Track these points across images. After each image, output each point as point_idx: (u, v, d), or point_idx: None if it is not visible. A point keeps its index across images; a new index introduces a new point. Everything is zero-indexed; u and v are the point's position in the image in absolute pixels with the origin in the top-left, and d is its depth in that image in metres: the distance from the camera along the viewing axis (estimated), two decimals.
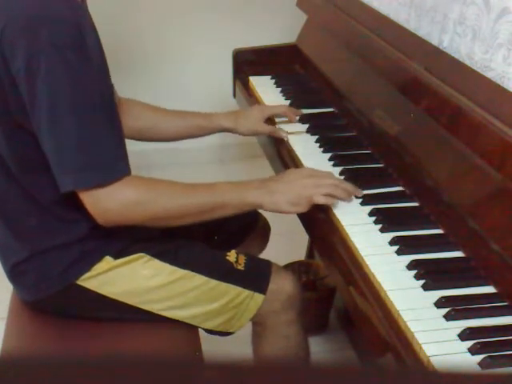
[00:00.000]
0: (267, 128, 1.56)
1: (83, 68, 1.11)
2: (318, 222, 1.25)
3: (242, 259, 1.31)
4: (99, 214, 1.14)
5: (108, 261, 1.25)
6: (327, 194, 1.21)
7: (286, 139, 1.52)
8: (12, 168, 1.19)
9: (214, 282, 1.27)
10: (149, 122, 1.56)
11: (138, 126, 1.54)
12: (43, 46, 1.06)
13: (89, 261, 1.24)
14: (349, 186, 1.24)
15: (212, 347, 1.40)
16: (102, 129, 1.13)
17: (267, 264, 1.33)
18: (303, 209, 1.22)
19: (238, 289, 1.28)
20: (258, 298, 1.29)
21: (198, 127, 1.58)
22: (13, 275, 1.30)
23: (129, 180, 1.14)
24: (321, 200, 1.20)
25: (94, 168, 1.11)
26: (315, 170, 1.29)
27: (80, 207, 1.19)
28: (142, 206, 1.16)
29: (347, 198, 1.23)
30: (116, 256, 1.25)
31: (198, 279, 1.27)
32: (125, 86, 1.79)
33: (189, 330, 1.30)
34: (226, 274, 1.28)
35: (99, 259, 1.25)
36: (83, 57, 1.11)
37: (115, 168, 1.13)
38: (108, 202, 1.13)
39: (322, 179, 1.24)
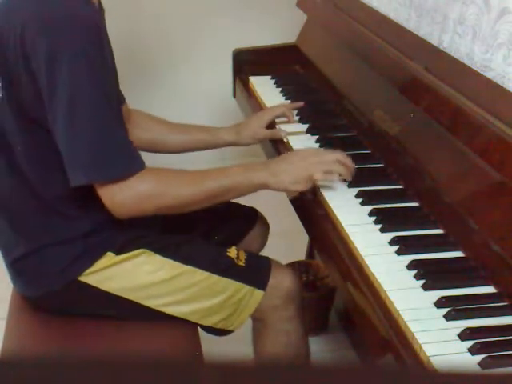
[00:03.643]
0: (267, 133, 1.58)
1: (102, 64, 1.14)
2: (318, 221, 1.25)
3: (243, 255, 1.32)
4: (114, 207, 1.17)
5: (110, 257, 1.26)
6: (326, 171, 1.24)
7: (285, 140, 1.53)
8: (20, 162, 1.20)
9: (214, 278, 1.28)
10: (156, 135, 1.59)
11: (146, 138, 1.57)
12: (66, 41, 1.08)
13: (90, 257, 1.25)
14: (348, 162, 1.27)
15: (212, 347, 1.40)
16: (117, 124, 1.16)
17: (267, 260, 1.34)
18: (303, 187, 1.25)
19: (239, 284, 1.29)
20: (258, 294, 1.29)
21: (202, 142, 1.61)
22: (15, 270, 1.30)
23: (143, 174, 1.16)
24: (319, 176, 1.24)
25: (110, 162, 1.14)
26: (318, 150, 1.32)
27: (83, 204, 1.20)
28: (156, 198, 1.19)
29: (346, 175, 1.26)
30: (118, 252, 1.26)
31: (200, 274, 1.28)
32: (125, 85, 1.79)
33: (189, 329, 1.31)
34: (227, 269, 1.29)
35: (101, 255, 1.25)
36: (102, 53, 1.14)
37: (131, 162, 1.16)
38: (123, 196, 1.15)
39: (324, 157, 1.26)
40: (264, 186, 1.26)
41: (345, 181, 1.29)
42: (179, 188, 1.22)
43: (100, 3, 1.28)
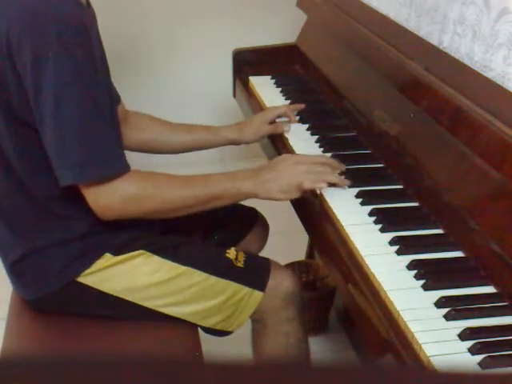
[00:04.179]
0: (270, 128, 1.58)
1: (89, 64, 1.13)
2: (318, 221, 1.25)
3: (242, 256, 1.31)
4: (99, 209, 1.16)
5: (108, 257, 1.26)
6: (315, 180, 1.24)
7: (286, 133, 1.54)
8: (14, 165, 1.19)
9: (213, 279, 1.28)
10: (156, 134, 1.58)
11: (145, 138, 1.57)
12: (51, 41, 1.07)
13: (88, 258, 1.25)
14: (337, 166, 1.28)
15: (212, 347, 1.39)
16: (103, 125, 1.15)
17: (266, 262, 1.34)
18: (293, 195, 1.25)
19: (238, 286, 1.28)
20: (257, 295, 1.29)
21: (203, 141, 1.60)
22: (13, 273, 1.30)
23: (128, 175, 1.16)
24: (309, 185, 1.23)
25: (96, 163, 1.13)
26: (305, 156, 1.32)
27: (79, 205, 1.20)
28: (141, 201, 1.18)
29: (338, 182, 1.26)
30: (116, 253, 1.26)
31: (198, 276, 1.27)
32: (125, 85, 1.79)
33: (189, 329, 1.30)
34: (226, 270, 1.29)
35: (99, 256, 1.25)
36: (89, 54, 1.13)
37: (116, 163, 1.16)
38: (108, 198, 1.15)
39: (312, 166, 1.26)
40: (252, 196, 1.25)
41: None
42: (167, 192, 1.21)
43: (88, 3, 1.26)
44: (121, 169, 1.16)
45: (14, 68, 1.09)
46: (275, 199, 1.25)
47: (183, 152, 1.63)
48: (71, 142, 1.11)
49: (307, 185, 1.23)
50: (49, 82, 1.08)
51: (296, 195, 1.25)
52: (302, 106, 1.65)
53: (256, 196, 1.25)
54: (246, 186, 1.24)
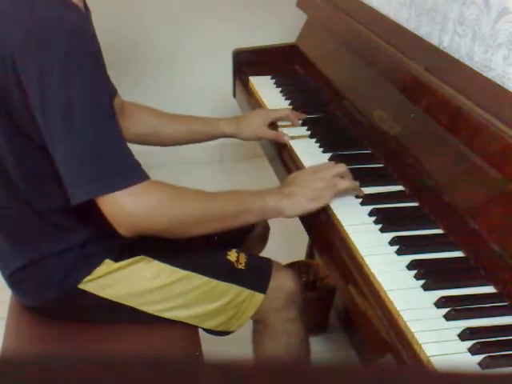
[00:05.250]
0: (270, 133, 1.56)
1: (96, 73, 1.09)
2: (318, 221, 1.25)
3: (243, 258, 1.31)
4: (122, 221, 1.09)
5: (108, 264, 1.24)
6: (351, 182, 1.24)
7: (288, 144, 1.52)
8: (13, 177, 1.17)
9: (214, 282, 1.27)
10: (152, 126, 1.56)
11: (141, 130, 1.54)
12: (57, 54, 1.03)
13: (89, 265, 1.24)
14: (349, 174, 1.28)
15: (212, 347, 1.39)
16: (116, 134, 1.09)
17: (268, 262, 1.33)
18: (327, 200, 1.22)
19: (239, 288, 1.28)
20: (259, 297, 1.29)
21: (200, 133, 1.58)
22: (12, 283, 1.29)
23: (151, 183, 1.11)
24: (347, 184, 1.23)
25: (116, 172, 1.07)
26: (317, 166, 1.30)
27: (79, 215, 1.18)
28: (167, 209, 1.12)
29: (358, 190, 1.26)
30: (116, 259, 1.25)
31: (199, 279, 1.27)
32: (125, 85, 1.79)
33: (189, 330, 1.30)
34: (227, 273, 1.28)
35: (99, 263, 1.24)
36: (95, 62, 1.10)
37: (135, 171, 1.10)
38: (132, 207, 1.08)
39: (330, 170, 1.25)
40: (278, 212, 1.21)
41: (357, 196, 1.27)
42: (192, 200, 1.16)
43: (86, 6, 1.23)
44: (141, 176, 1.10)
45: (20, 83, 1.05)
46: (307, 210, 1.21)
47: (180, 144, 1.60)
48: (87, 156, 1.05)
49: (344, 184, 1.23)
50: (56, 98, 1.03)
51: (329, 199, 1.22)
52: (304, 115, 1.62)
53: (282, 212, 1.21)
54: (271, 200, 1.20)
